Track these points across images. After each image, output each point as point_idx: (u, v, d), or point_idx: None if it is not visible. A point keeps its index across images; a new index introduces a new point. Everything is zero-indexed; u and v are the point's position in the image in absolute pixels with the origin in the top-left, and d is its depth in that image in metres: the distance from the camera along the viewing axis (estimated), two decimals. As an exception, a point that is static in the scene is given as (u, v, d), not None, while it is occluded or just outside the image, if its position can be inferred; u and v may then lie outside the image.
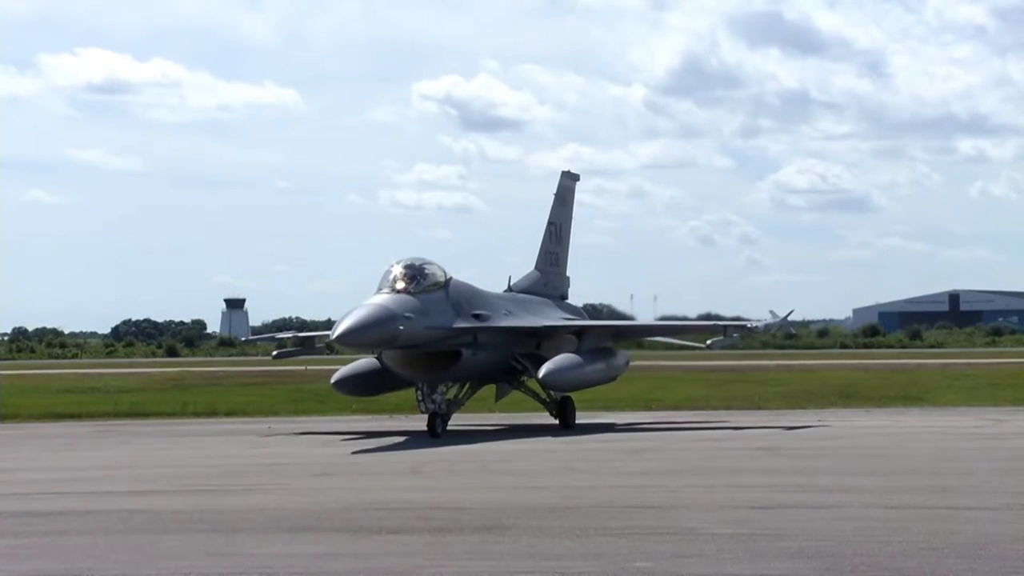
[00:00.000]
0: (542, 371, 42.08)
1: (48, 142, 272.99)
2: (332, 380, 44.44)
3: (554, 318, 47.29)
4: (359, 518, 22.66)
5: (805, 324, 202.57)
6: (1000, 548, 18.78)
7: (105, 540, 20.73)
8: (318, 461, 34.00)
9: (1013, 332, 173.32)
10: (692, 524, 21.22)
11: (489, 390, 46.73)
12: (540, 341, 45.10)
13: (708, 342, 48.06)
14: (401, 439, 39.88)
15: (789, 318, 46.11)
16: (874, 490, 25.71)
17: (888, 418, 47.14)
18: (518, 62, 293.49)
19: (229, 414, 52.75)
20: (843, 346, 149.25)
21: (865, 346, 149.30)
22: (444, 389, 41.53)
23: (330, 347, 47.64)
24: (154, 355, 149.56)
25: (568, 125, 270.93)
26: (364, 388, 44.78)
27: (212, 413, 52.94)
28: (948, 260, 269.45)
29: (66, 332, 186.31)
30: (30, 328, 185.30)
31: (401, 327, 39.41)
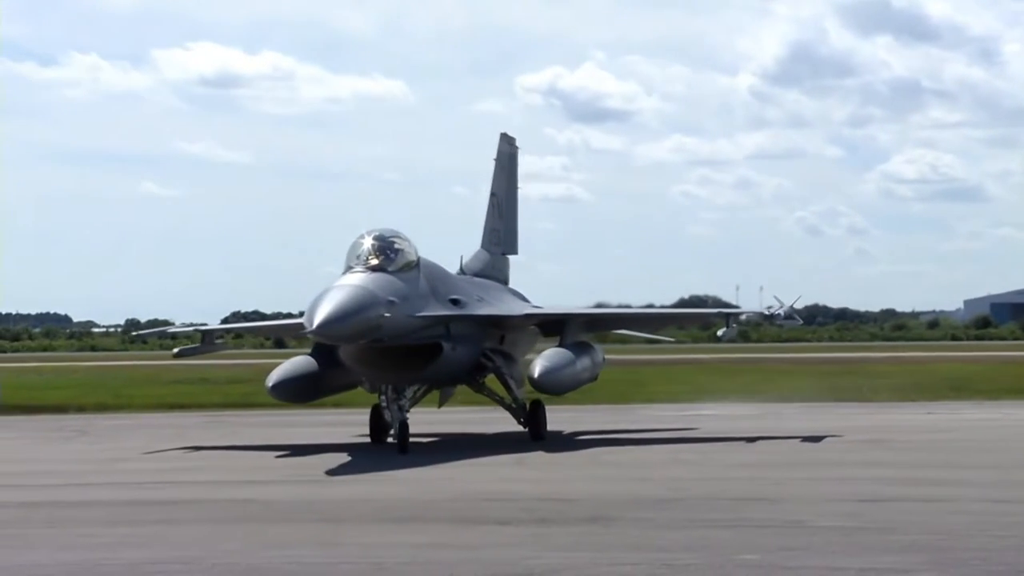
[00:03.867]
0: (536, 370, 35.37)
1: (160, 135, 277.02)
2: (269, 384, 36.18)
3: (523, 306, 40.67)
4: (464, 509, 22.76)
5: (915, 315, 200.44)
6: (1115, 543, 18.43)
7: (215, 529, 21.02)
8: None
9: None
10: (798, 517, 21.06)
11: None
12: (504, 334, 38.42)
13: (719, 332, 40.48)
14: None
15: (796, 304, 40.56)
16: (985, 484, 25.34)
17: (1000, 411, 46.42)
18: (622, 53, 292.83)
19: (336, 405, 53.12)
20: (954, 338, 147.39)
21: (976, 338, 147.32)
22: (412, 393, 34.68)
23: (193, 343, 42.73)
24: (262, 346, 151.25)
25: (674, 115, 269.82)
26: (304, 393, 37.39)
27: (319, 404, 53.34)
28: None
29: (177, 323, 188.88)
30: (142, 320, 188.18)
31: (387, 314, 32.58)
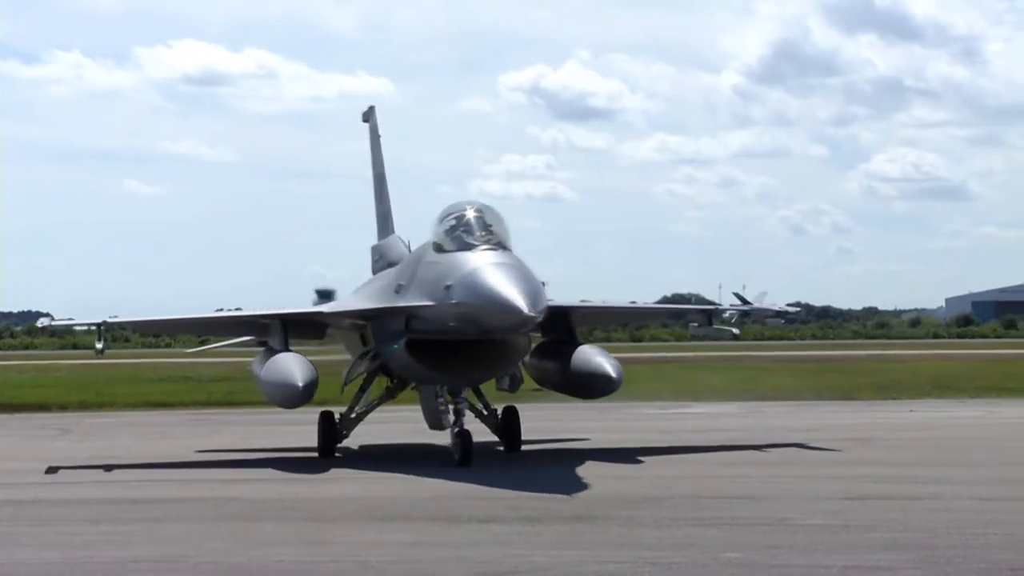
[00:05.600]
0: (611, 369, 30.51)
1: (144, 134, 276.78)
2: (300, 384, 30.24)
3: None
4: (450, 507, 22.74)
5: (897, 314, 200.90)
6: (1098, 541, 18.50)
7: (200, 527, 20.98)
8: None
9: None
10: (783, 515, 21.10)
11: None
12: None
13: (728, 329, 37.31)
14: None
15: (762, 301, 37.94)
16: (969, 482, 25.42)
17: (982, 409, 46.57)
18: (606, 51, 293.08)
19: (321, 403, 53.03)
20: (936, 336, 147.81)
21: (958, 336, 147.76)
22: (467, 395, 29.61)
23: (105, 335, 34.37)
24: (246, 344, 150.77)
25: (658, 114, 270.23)
26: (312, 394, 31.09)
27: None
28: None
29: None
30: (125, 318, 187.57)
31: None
